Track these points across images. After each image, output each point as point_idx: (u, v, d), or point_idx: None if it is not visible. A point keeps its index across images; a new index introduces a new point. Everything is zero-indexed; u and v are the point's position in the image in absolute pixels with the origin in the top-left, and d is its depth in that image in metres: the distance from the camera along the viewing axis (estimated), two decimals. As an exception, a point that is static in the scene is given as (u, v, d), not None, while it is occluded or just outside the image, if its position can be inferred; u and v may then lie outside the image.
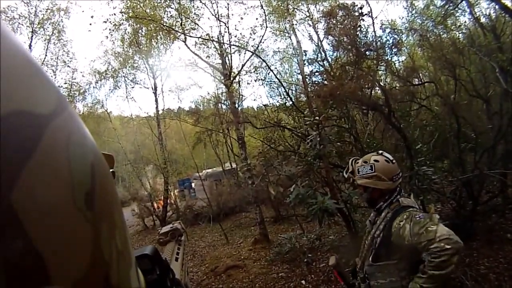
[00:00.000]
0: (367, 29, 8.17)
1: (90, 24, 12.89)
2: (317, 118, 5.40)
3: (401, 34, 10.59)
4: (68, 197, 0.30)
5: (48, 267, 0.27)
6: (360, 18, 7.12)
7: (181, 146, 17.29)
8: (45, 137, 0.29)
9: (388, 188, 2.24)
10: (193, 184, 20.37)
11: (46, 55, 14.19)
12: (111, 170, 0.51)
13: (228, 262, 8.50)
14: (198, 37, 10.21)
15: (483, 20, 10.06)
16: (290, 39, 12.96)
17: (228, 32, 11.24)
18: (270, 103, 13.33)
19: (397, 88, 8.89)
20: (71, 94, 15.62)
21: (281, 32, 13.30)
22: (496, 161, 6.53)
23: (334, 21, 7.79)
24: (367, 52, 7.21)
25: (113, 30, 12.45)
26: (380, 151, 2.38)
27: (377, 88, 8.02)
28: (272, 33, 13.20)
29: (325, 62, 9.03)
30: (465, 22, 11.20)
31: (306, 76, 8.15)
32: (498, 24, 9.21)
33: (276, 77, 10.17)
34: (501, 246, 5.45)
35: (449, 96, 7.91)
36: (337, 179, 7.08)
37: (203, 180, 19.85)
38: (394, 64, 9.61)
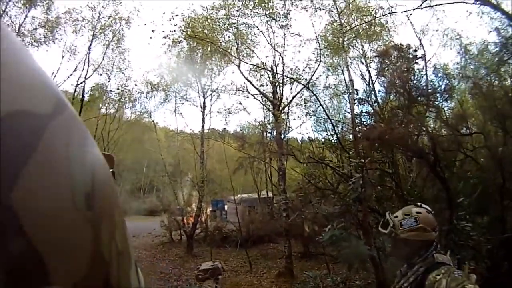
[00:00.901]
0: (420, 72, 8.04)
1: (150, 38, 13.57)
2: (362, 160, 5.31)
3: (453, 80, 10.31)
4: (68, 197, 0.30)
5: (48, 267, 0.27)
6: (414, 61, 7.02)
7: (220, 167, 17.37)
8: (45, 137, 0.29)
9: (431, 240, 2.17)
10: (226, 207, 20.32)
11: (103, 59, 14.82)
12: (111, 170, 0.51)
13: None
14: (253, 65, 10.40)
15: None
16: (343, 75, 12.93)
17: (282, 62, 11.39)
18: (315, 138, 13.23)
19: (444, 136, 8.58)
20: (121, 100, 16.26)
21: (334, 68, 13.36)
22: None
23: (388, 62, 7.73)
24: (418, 98, 7.05)
25: (171, 46, 12.97)
26: (419, 203, 2.33)
27: (424, 134, 7.78)
28: (326, 68, 13.26)
29: (375, 104, 8.91)
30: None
31: (356, 116, 8.06)
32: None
33: (325, 112, 10.15)
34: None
35: (497, 149, 7.51)
36: (373, 224, 6.85)
37: (237, 204, 19.81)
38: (444, 110, 9.33)
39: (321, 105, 9.98)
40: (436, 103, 8.12)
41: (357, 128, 7.99)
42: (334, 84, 14.38)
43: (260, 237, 14.23)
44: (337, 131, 8.97)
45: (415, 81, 7.34)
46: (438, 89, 8.01)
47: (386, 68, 7.77)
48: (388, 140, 6.05)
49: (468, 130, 10.30)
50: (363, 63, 12.62)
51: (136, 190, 28.45)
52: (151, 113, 17.47)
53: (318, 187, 7.85)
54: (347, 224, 6.06)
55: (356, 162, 5.48)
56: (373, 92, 9.75)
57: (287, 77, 10.85)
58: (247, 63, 11.02)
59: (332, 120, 10.02)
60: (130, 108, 17.58)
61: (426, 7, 9.74)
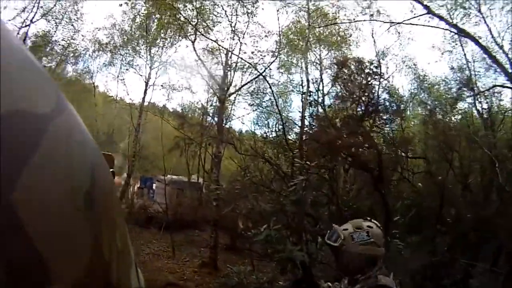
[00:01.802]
0: (375, 89, 8.17)
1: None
2: (308, 163, 5.22)
3: (402, 105, 10.71)
4: (68, 196, 0.30)
5: (48, 267, 0.27)
6: (373, 77, 7.07)
7: (155, 144, 16.66)
8: (45, 137, 0.29)
9: (378, 256, 2.12)
10: (154, 185, 19.71)
11: (55, 5, 13.64)
12: (111, 170, 0.52)
13: (169, 278, 8.05)
14: (212, 40, 9.95)
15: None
16: (297, 74, 12.87)
17: (240, 48, 11.06)
18: (255, 131, 13.07)
19: (387, 154, 8.89)
20: (65, 53, 15.09)
21: (289, 66, 13.27)
22: (465, 250, 6.48)
23: (346, 71, 7.73)
24: (371, 112, 7.13)
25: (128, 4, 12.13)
26: (368, 218, 2.27)
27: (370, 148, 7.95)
28: (281, 65, 13.12)
29: (328, 109, 8.91)
30: (466, 108, 11.55)
31: (306, 117, 7.97)
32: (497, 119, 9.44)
33: (277, 105, 10.00)
34: None
35: (438, 176, 7.91)
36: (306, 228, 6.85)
37: (166, 184, 19.19)
38: (391, 131, 9.64)
39: (274, 97, 9.83)
40: (384, 122, 8.31)
41: (304, 130, 7.92)
42: (283, 82, 14.34)
43: (187, 222, 13.76)
44: (284, 127, 8.82)
45: (371, 96, 7.40)
46: (389, 109, 8.17)
47: (343, 78, 7.75)
48: (337, 147, 6.02)
49: (409, 154, 10.80)
50: (317, 69, 12.68)
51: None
52: (93, 74, 16.54)
53: (254, 182, 7.66)
54: (281, 225, 5.93)
55: (301, 163, 5.38)
56: (325, 98, 9.76)
57: (244, 60, 10.52)
58: (204, 36, 10.48)
59: (281, 113, 9.82)
60: (72, 65, 16.42)
61: (396, 24, 9.92)
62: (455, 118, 11.31)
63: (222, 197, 9.38)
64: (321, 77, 11.53)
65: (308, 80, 10.31)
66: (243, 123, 15.50)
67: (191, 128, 13.84)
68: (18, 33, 12.60)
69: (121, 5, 11.33)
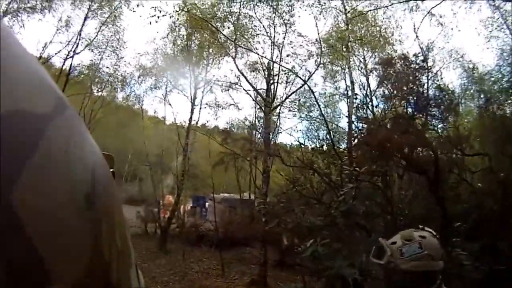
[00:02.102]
0: (424, 85, 7.53)
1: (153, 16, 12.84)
2: (357, 169, 4.72)
3: (458, 99, 9.90)
4: (68, 197, 0.30)
5: (48, 267, 0.26)
6: (420, 72, 6.48)
7: (205, 163, 16.82)
8: (45, 137, 0.29)
9: (436, 271, 1.71)
10: (207, 204, 19.83)
11: (97, 35, 14.14)
12: (111, 170, 0.50)
13: None
14: (253, 51, 9.87)
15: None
16: (343, 81, 12.43)
17: (280, 59, 10.88)
18: (304, 143, 12.73)
19: (444, 153, 8.12)
20: (110, 80, 15.62)
21: (333, 74, 12.87)
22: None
23: (391, 71, 7.21)
24: (422, 109, 6.48)
25: (169, 30, 12.51)
26: (420, 226, 1.88)
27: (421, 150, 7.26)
28: (325, 72, 12.78)
29: (376, 110, 8.35)
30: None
31: (353, 122, 7.49)
32: None
33: (321, 112, 9.63)
34: None
35: (499, 173, 7.01)
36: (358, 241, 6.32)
37: (218, 202, 19.22)
38: (445, 129, 8.88)
39: (318, 105, 9.46)
40: (437, 119, 7.64)
41: (353, 136, 7.43)
42: (331, 92, 13.91)
43: (238, 239, 13.56)
44: (331, 136, 8.41)
45: (420, 92, 6.78)
46: (441, 105, 7.48)
47: (389, 78, 7.23)
48: (388, 149, 5.46)
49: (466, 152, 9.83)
50: (363, 73, 12.17)
51: (119, 178, 27.79)
52: (140, 98, 16.92)
53: (302, 194, 7.26)
54: (331, 238, 5.43)
55: (350, 170, 4.88)
56: (372, 99, 9.17)
57: (286, 68, 10.30)
58: (245, 49, 10.40)
59: (327, 122, 9.44)
60: (118, 91, 16.92)
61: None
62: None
63: (269, 212, 9.05)
64: (368, 81, 10.98)
65: (352, 82, 9.82)
66: (291, 135, 15.05)
67: (236, 143, 13.75)
68: (63, 65, 13.46)
69: (155, 20, 11.42)
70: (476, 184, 8.23)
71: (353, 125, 7.66)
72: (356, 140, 7.21)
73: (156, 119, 18.14)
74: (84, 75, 15.19)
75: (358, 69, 12.28)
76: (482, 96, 11.11)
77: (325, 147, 8.95)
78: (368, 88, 10.81)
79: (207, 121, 16.51)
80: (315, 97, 9.61)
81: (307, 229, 5.52)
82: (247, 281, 9.20)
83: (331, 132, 11.03)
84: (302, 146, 11.35)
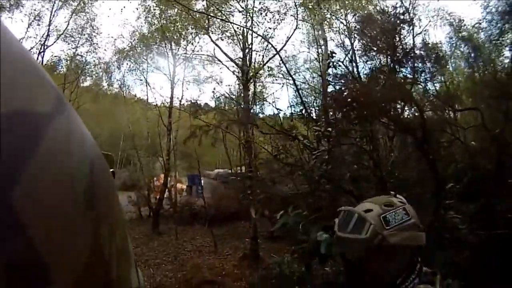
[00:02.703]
0: (405, 38, 7.07)
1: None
2: (329, 129, 4.28)
3: (448, 56, 9.48)
4: (68, 196, 0.30)
5: (48, 266, 0.26)
6: (401, 23, 6.00)
7: (192, 141, 16.55)
8: (45, 137, 0.29)
9: (419, 246, 1.30)
10: (202, 181, 19.68)
11: (68, 25, 13.92)
12: (111, 170, 0.52)
13: (206, 275, 7.65)
14: (222, 19, 9.44)
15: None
16: (321, 48, 11.95)
17: (252, 24, 10.45)
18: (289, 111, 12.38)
19: (432, 111, 7.73)
20: (87, 68, 15.62)
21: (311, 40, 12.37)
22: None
23: (371, 25, 6.74)
24: (404, 60, 6.00)
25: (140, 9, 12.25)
26: (392, 192, 1.43)
27: (408, 109, 6.88)
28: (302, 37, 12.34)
29: (353, 66, 7.86)
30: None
31: (328, 80, 7.01)
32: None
33: (288, 72, 9.27)
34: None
35: (493, 130, 6.64)
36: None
37: (213, 178, 18.96)
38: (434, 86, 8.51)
39: (286, 68, 9.03)
40: (423, 75, 7.25)
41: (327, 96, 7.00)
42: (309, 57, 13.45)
43: (231, 214, 13.44)
44: (301, 99, 8.08)
45: (402, 42, 6.28)
46: (427, 60, 7.03)
47: (368, 30, 6.73)
48: (363, 105, 4.98)
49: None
50: (345, 35, 11.62)
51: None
52: (121, 83, 16.86)
53: (283, 162, 6.90)
54: (309, 208, 4.99)
55: (320, 131, 4.44)
56: (351, 57, 8.65)
57: (258, 34, 9.92)
58: (217, 18, 10.17)
59: (297, 86, 9.08)
60: (98, 78, 16.95)
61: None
62: (502, 64, 9.66)
63: (254, 184, 8.76)
64: (350, 41, 10.48)
65: (325, 40, 9.37)
66: (272, 103, 14.67)
67: (207, 114, 13.46)
68: (37, 59, 13.00)
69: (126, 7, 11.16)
70: (469, 142, 7.90)
71: (329, 87, 7.21)
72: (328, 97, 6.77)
73: (141, 102, 17.77)
74: (61, 67, 15.17)
75: (341, 31, 11.87)
76: (471, 53, 10.65)
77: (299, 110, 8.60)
78: (352, 51, 10.39)
79: (192, 98, 16.08)
80: (284, 64, 9.20)
81: (280, 199, 5.14)
82: (240, 256, 9.03)
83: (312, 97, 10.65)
84: (280, 111, 10.97)
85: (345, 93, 5.55)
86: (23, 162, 0.25)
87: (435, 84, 9.69)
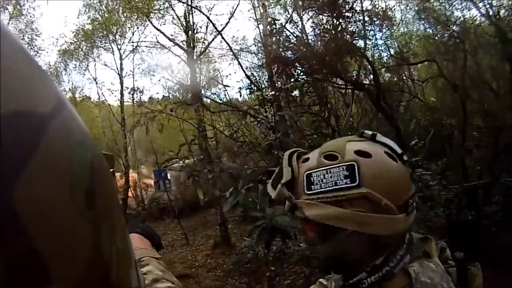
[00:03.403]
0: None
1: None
2: (272, 92, 3.91)
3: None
4: (68, 196, 0.29)
5: (48, 267, 0.26)
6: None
7: (153, 135, 16.13)
8: (45, 137, 0.28)
9: (394, 233, 0.86)
10: (168, 175, 19.25)
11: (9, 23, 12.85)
12: (110, 169, 0.52)
13: (179, 270, 7.47)
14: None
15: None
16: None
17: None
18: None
19: (384, 68, 7.54)
20: None
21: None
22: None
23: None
24: (348, 15, 5.66)
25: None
26: (369, 131, 0.94)
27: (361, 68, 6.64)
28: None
29: (295, 29, 7.50)
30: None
31: (269, 45, 6.64)
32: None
33: (227, 42, 8.99)
34: (509, 271, 4.20)
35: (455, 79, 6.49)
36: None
37: (178, 171, 18.44)
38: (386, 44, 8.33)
39: (226, 42, 8.71)
40: (373, 28, 7.04)
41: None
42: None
43: (199, 204, 13.03)
44: (242, 68, 7.86)
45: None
46: (374, 8, 6.80)
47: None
48: (310, 66, 4.59)
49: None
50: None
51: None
52: (72, 85, 16.41)
53: (239, 141, 6.56)
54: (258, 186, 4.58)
55: (264, 95, 4.06)
56: (295, 22, 8.30)
57: (199, 10, 9.49)
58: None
59: (235, 55, 8.79)
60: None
61: None
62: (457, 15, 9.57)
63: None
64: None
65: (264, 5, 9.03)
66: (216, 81, 14.39)
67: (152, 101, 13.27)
68: None
69: None
70: (429, 99, 7.82)
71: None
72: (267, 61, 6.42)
73: (93, 102, 17.28)
74: None
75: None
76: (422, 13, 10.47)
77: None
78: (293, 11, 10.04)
79: (136, 87, 15.61)
80: (226, 42, 9.01)
81: (230, 176, 4.72)
82: (211, 245, 8.79)
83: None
84: (228, 87, 10.71)
85: (287, 51, 5.21)
86: (23, 162, 0.25)
87: (387, 42, 9.53)
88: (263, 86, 7.56)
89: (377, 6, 7.93)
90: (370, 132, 0.91)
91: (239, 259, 6.82)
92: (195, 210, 13.00)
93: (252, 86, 7.00)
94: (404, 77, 8.91)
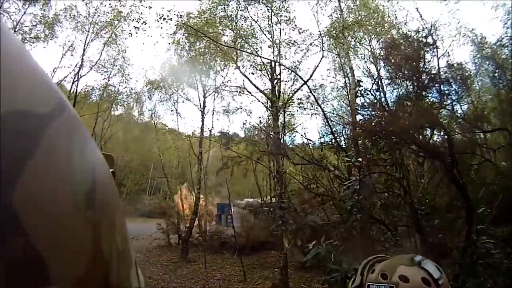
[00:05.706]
0: (430, 62, 7.08)
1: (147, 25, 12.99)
2: (359, 160, 4.35)
3: (473, 76, 9.38)
4: (68, 197, 0.30)
5: (48, 267, 0.26)
6: (425, 48, 6.05)
7: (226, 171, 16.79)
8: (45, 137, 0.29)
9: None
10: (232, 211, 19.69)
11: (100, 56, 14.41)
12: (111, 170, 0.51)
13: None
14: (250, 53, 9.72)
15: None
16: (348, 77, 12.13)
17: (279, 55, 10.73)
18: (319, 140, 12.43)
19: (461, 134, 7.58)
20: (119, 98, 16.18)
21: (338, 67, 12.56)
22: None
23: (396, 51, 6.83)
24: (430, 85, 6.00)
25: (171, 42, 12.72)
26: (419, 257, 1.22)
27: (437, 133, 6.82)
28: (330, 65, 12.56)
29: (380, 94, 7.87)
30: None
31: (356, 109, 7.08)
32: None
33: (317, 102, 9.37)
34: None
35: None
36: (376, 236, 5.97)
37: (242, 208, 19.00)
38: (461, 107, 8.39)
39: (314, 97, 9.15)
40: (451, 97, 7.21)
41: (355, 125, 7.04)
42: (337, 85, 13.60)
43: (260, 243, 13.42)
44: (331, 128, 8.14)
45: (425, 68, 6.30)
46: (452, 82, 7.00)
47: (393, 56, 6.81)
48: (392, 133, 4.98)
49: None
50: (371, 62, 11.75)
51: (142, 192, 28.13)
52: (152, 112, 17.39)
53: (313, 192, 6.93)
54: (342, 238, 4.95)
55: (351, 161, 4.48)
56: (378, 85, 8.68)
57: (286, 68, 10.12)
58: (243, 51, 10.44)
59: (326, 116, 9.19)
60: (129, 108, 17.67)
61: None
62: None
63: (285, 214, 8.77)
64: (376, 66, 10.53)
65: (351, 69, 9.49)
66: (300, 134, 14.67)
67: (239, 145, 13.63)
68: (71, 88, 13.91)
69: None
70: (500, 164, 7.72)
71: (357, 116, 7.25)
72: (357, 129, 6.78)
73: (172, 132, 18.41)
74: (94, 96, 15.75)
75: (366, 58, 11.98)
76: (496, 69, 10.50)
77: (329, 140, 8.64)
78: (379, 77, 10.46)
79: (221, 129, 16.41)
80: (313, 94, 9.34)
81: (311, 229, 5.09)
82: (269, 286, 8.94)
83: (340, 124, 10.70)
84: (310, 141, 11.02)
85: (373, 122, 5.59)
86: (24, 162, 0.26)
87: (462, 106, 9.59)
88: (342, 138, 7.94)
89: (454, 71, 8.08)
90: (418, 259, 1.21)
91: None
92: (256, 249, 13.17)
93: (334, 142, 7.42)
94: (476, 137, 8.82)
